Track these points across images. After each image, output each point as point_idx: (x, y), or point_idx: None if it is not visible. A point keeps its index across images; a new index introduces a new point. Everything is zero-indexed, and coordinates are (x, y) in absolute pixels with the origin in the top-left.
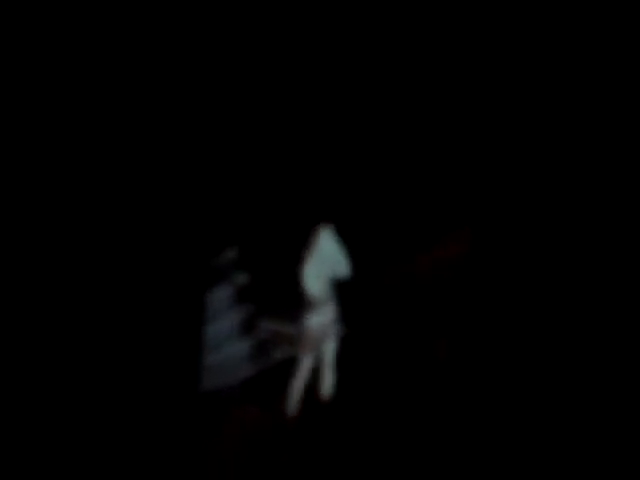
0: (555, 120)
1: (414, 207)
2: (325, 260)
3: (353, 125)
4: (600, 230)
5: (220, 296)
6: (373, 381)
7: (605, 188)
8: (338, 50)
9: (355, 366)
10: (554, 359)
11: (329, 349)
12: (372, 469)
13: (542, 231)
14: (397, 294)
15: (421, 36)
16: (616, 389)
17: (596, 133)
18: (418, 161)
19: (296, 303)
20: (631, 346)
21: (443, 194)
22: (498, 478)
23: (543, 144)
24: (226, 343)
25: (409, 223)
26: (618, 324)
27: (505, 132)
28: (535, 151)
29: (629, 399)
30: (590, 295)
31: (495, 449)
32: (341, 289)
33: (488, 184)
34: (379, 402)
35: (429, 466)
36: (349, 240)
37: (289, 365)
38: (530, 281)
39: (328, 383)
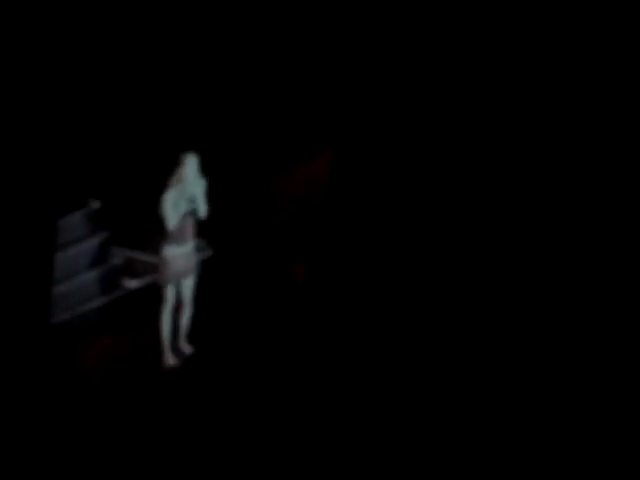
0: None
1: (274, 128)
2: (186, 190)
3: (214, 50)
4: (454, 148)
5: (72, 222)
6: (233, 305)
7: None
8: None
9: (215, 291)
10: (414, 283)
11: (190, 281)
12: (234, 396)
13: (403, 152)
14: (257, 215)
15: None
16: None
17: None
18: (278, 83)
19: (153, 231)
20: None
21: (304, 116)
22: (346, 397)
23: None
24: (78, 271)
25: (269, 144)
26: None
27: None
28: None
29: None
30: (449, 219)
31: (348, 372)
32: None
33: (349, 105)
34: (239, 328)
35: (290, 386)
36: (209, 161)
37: (143, 294)
38: (390, 203)
39: (188, 315)
